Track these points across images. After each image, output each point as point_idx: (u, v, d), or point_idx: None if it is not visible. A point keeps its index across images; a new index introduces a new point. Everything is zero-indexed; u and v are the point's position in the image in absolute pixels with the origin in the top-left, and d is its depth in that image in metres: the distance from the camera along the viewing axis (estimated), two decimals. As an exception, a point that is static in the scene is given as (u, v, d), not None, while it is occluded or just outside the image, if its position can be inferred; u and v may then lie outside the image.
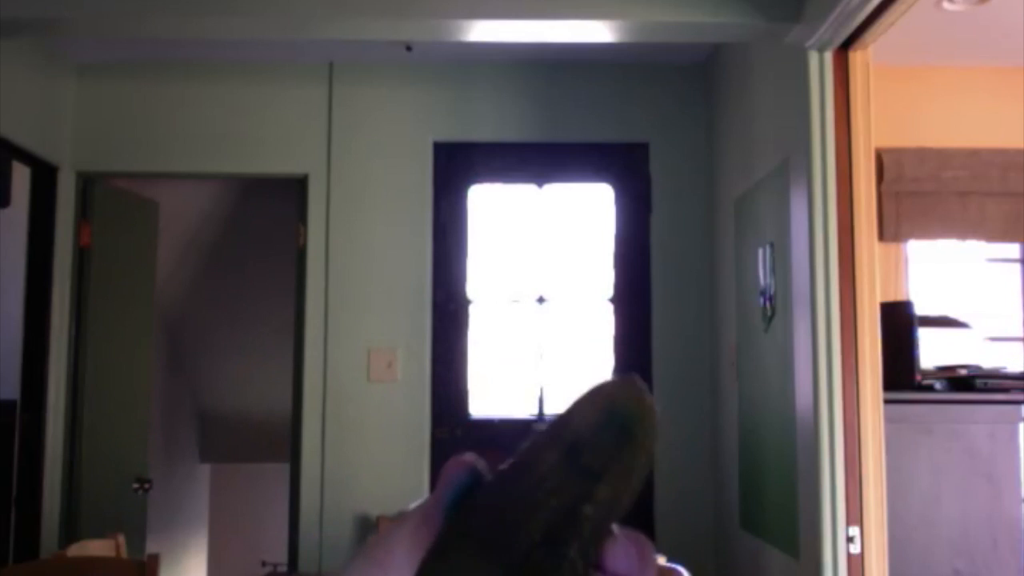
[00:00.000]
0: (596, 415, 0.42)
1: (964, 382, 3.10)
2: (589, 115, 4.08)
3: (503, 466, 0.42)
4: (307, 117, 4.03)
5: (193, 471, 6.13)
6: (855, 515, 2.64)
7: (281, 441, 4.39)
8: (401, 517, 0.44)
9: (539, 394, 4.00)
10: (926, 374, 3.12)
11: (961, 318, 3.38)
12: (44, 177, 3.89)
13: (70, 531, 3.79)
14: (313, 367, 3.92)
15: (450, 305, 4.02)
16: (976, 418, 3.03)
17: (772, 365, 3.12)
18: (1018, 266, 4.14)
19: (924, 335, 3.16)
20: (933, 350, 3.19)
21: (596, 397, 0.43)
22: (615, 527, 0.43)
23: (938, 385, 3.10)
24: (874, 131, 2.78)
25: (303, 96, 4.04)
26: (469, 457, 0.43)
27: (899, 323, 3.10)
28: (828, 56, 2.78)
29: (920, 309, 3.24)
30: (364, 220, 3.99)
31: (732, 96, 3.71)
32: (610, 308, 4.06)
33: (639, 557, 0.41)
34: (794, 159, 2.91)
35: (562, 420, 0.43)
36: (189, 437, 6.06)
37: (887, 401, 2.73)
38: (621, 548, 0.41)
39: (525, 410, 4.00)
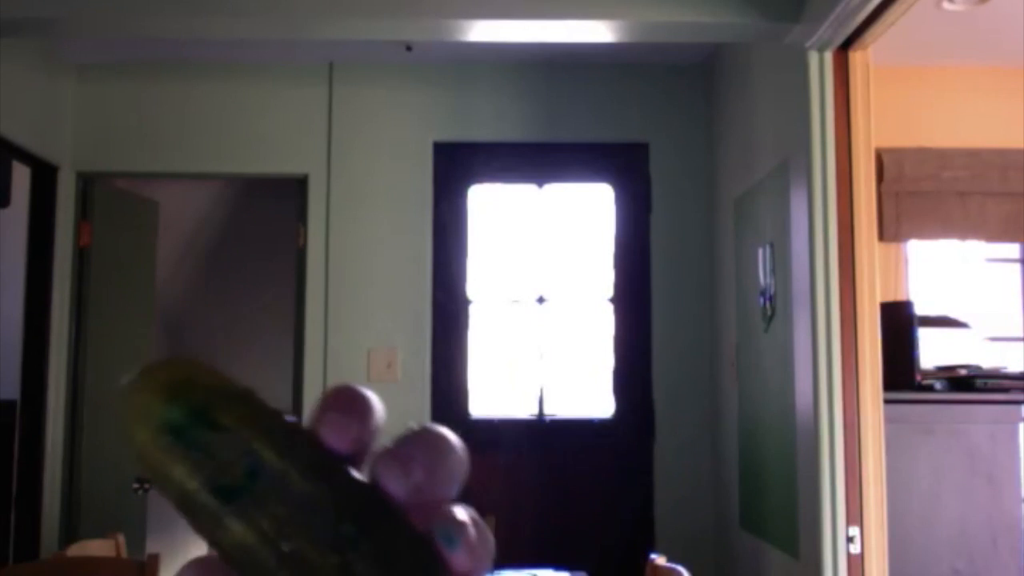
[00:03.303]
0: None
1: (964, 382, 3.10)
2: (589, 115, 4.07)
3: None
4: (307, 117, 4.03)
5: (193, 471, 6.13)
6: (855, 515, 2.63)
7: (281, 441, 4.37)
8: None
9: (539, 394, 4.00)
10: (926, 374, 3.12)
11: (961, 318, 3.38)
12: (44, 177, 3.89)
13: (70, 531, 3.79)
14: (313, 367, 3.92)
15: (450, 305, 4.02)
16: (976, 418, 3.03)
17: (772, 365, 3.12)
18: (1018, 266, 4.14)
19: (924, 335, 3.16)
20: (933, 350, 3.19)
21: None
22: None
23: (938, 385, 3.10)
24: (874, 131, 2.78)
25: (303, 96, 4.04)
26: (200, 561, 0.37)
27: (899, 323, 3.10)
28: (828, 56, 2.78)
29: (920, 309, 3.24)
30: (364, 220, 3.99)
31: (732, 96, 3.71)
32: (610, 308, 4.05)
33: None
34: (794, 159, 2.91)
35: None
36: (189, 437, 6.05)
37: (887, 401, 2.73)
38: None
39: (525, 410, 4.00)
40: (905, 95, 3.82)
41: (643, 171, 4.08)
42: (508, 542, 2.98)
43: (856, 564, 2.62)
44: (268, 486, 0.33)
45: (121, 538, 2.86)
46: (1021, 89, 3.83)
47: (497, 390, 4.06)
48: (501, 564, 2.36)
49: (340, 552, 0.32)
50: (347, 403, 0.35)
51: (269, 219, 5.05)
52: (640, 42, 3.32)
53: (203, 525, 0.33)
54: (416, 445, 0.35)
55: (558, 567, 2.84)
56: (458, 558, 0.34)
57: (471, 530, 0.34)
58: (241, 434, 0.33)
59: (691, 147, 4.07)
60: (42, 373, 3.79)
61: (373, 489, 0.34)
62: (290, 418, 0.35)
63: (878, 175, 3.36)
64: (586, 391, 4.06)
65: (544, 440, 3.98)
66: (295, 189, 4.09)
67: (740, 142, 3.57)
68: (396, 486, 0.34)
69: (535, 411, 3.99)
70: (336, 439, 0.34)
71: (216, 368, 0.35)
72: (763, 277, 3.20)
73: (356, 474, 0.34)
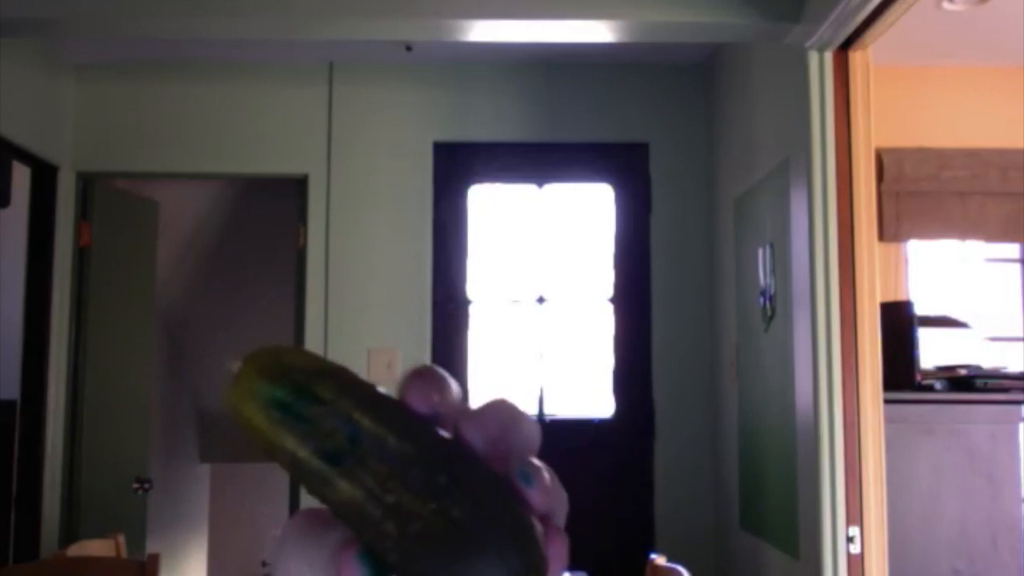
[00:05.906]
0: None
1: (964, 382, 3.10)
2: (589, 115, 4.08)
3: None
4: (307, 117, 4.03)
5: (193, 471, 6.13)
6: (855, 515, 2.63)
7: (281, 441, 4.37)
8: None
9: (539, 394, 4.00)
10: (926, 374, 3.12)
11: (961, 318, 3.38)
12: (44, 177, 3.89)
13: (70, 531, 3.79)
14: (313, 367, 3.92)
15: (450, 305, 4.02)
16: (976, 418, 3.03)
17: (772, 365, 3.12)
18: (1018, 266, 4.14)
19: (924, 335, 3.16)
20: (933, 350, 3.19)
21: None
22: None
23: (938, 385, 3.10)
24: (874, 131, 2.78)
25: (303, 96, 4.04)
26: None
27: (899, 323, 3.11)
28: (828, 56, 2.78)
29: (920, 309, 3.24)
30: (364, 220, 3.99)
31: (732, 96, 3.71)
32: (610, 308, 4.05)
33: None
34: (794, 159, 2.91)
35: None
36: (189, 437, 6.06)
37: (887, 401, 2.73)
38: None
39: (525, 410, 3.99)
40: (905, 95, 3.82)
41: (643, 171, 4.08)
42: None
43: (856, 564, 2.62)
44: (368, 448, 0.38)
45: (121, 538, 2.86)
46: (1021, 89, 3.83)
47: (497, 390, 4.06)
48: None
49: (436, 499, 0.37)
50: (427, 375, 0.41)
51: (269, 219, 5.05)
52: (640, 42, 3.32)
53: (314, 486, 0.38)
54: (491, 407, 0.42)
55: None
56: (535, 496, 0.39)
57: (545, 472, 0.40)
58: (340, 405, 0.38)
59: (691, 147, 4.07)
60: (42, 373, 3.79)
61: (457, 444, 0.39)
62: (381, 390, 0.40)
63: (878, 175, 3.37)
64: (586, 391, 4.06)
65: (544, 440, 3.97)
66: (295, 189, 4.09)
67: (740, 142, 3.57)
68: (475, 438, 0.40)
69: (535, 411, 3.99)
70: (421, 404, 0.40)
71: (310, 351, 0.40)
72: (763, 277, 3.20)
73: (442, 433, 0.39)
